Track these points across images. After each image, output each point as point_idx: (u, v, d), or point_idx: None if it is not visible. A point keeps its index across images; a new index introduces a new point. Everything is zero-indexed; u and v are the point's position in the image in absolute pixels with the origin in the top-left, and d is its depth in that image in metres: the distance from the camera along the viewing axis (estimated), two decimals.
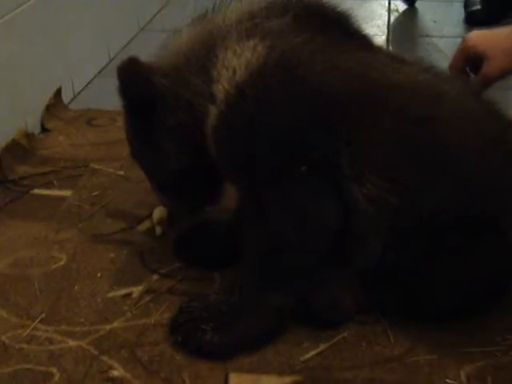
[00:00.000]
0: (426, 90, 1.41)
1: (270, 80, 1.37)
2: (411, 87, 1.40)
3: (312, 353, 1.40)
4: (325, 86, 1.37)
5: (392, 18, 3.46)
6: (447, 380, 1.34)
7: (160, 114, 1.47)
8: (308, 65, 1.38)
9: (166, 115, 1.47)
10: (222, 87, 1.40)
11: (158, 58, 1.52)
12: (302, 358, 1.39)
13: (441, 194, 1.36)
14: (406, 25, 3.48)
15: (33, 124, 2.31)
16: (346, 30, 1.49)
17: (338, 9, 1.50)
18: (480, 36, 1.70)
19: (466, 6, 3.39)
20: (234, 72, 1.40)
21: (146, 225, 1.81)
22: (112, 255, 1.70)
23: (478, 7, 3.33)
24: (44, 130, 2.34)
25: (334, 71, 1.38)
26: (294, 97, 1.37)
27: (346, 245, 1.40)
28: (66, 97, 2.51)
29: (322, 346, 1.42)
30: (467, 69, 1.70)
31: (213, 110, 1.41)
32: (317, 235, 1.39)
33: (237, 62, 1.40)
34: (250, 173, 1.40)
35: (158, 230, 1.77)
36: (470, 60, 1.69)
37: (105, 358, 1.40)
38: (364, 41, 1.51)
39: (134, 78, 1.46)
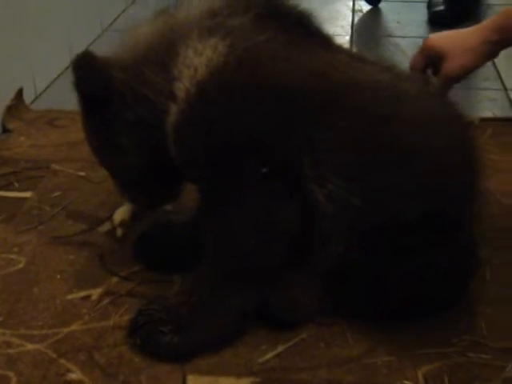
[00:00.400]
0: (387, 89, 1.41)
1: (230, 79, 1.37)
2: (372, 86, 1.41)
3: (270, 354, 1.40)
4: (286, 86, 1.37)
5: (356, 19, 3.48)
6: (405, 381, 1.35)
7: (118, 109, 1.46)
8: (269, 64, 1.38)
9: (124, 110, 1.45)
10: (182, 86, 1.40)
11: (116, 53, 1.50)
12: (260, 360, 1.39)
13: (401, 193, 1.36)
14: (369, 25, 3.49)
15: None
16: (306, 28, 1.48)
17: (299, 8, 1.50)
18: (441, 36, 1.71)
19: (430, 6, 3.41)
20: (195, 70, 1.39)
21: (106, 226, 1.80)
22: (72, 257, 1.69)
23: (442, 8, 3.35)
24: (5, 130, 2.32)
25: (295, 70, 1.39)
26: (255, 96, 1.37)
27: (306, 245, 1.41)
28: (27, 97, 2.49)
29: (280, 348, 1.42)
30: (428, 69, 1.72)
31: (173, 109, 1.40)
32: (277, 237, 1.40)
33: (198, 60, 1.39)
34: (209, 173, 1.40)
35: (119, 231, 1.76)
36: (430, 60, 1.70)
37: (63, 361, 1.39)
38: (325, 40, 1.51)
39: (88, 72, 1.44)
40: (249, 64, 1.38)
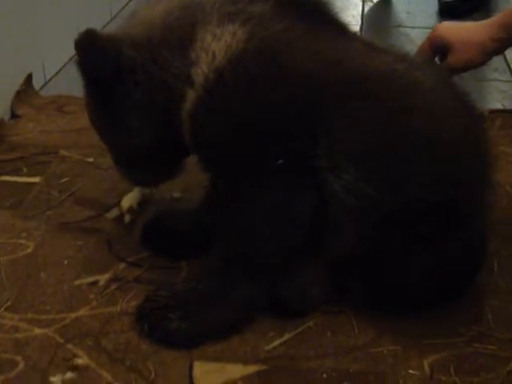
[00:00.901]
0: (402, 78, 1.40)
1: (249, 66, 1.35)
2: (387, 76, 1.40)
3: (277, 342, 1.41)
4: (304, 75, 1.36)
5: (366, 8, 3.47)
6: (410, 370, 1.35)
7: (127, 87, 1.43)
8: (288, 52, 1.37)
9: (134, 90, 1.43)
10: (200, 71, 1.38)
11: (127, 27, 1.48)
12: (266, 348, 1.40)
13: (415, 183, 1.36)
14: (379, 15, 3.49)
15: (3, 110, 2.29)
16: (324, 17, 1.47)
17: None
18: (450, 27, 1.71)
19: None
20: (214, 56, 1.37)
21: (114, 213, 1.81)
22: (79, 243, 1.69)
23: None
24: (14, 116, 2.32)
25: (313, 59, 1.38)
26: (273, 85, 1.36)
27: (320, 235, 1.40)
28: (36, 83, 2.50)
29: (287, 336, 1.42)
30: (436, 58, 1.72)
31: (190, 95, 1.39)
32: (291, 227, 1.39)
33: (216, 45, 1.38)
34: (225, 162, 1.40)
35: (127, 218, 1.77)
36: (437, 49, 1.70)
37: (70, 346, 1.40)
38: (341, 28, 1.50)
39: (92, 50, 1.40)
40: (267, 52, 1.37)
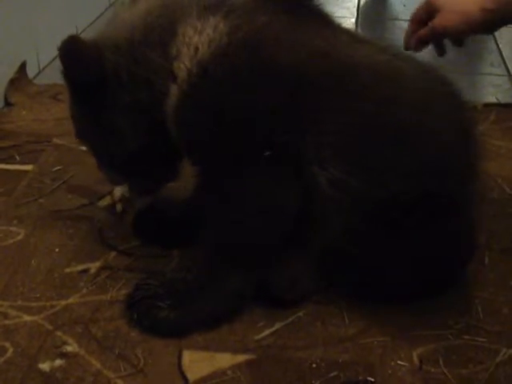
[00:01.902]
0: (385, 70, 1.41)
1: (234, 60, 1.35)
2: (372, 67, 1.40)
3: (266, 332, 1.41)
4: (290, 67, 1.36)
5: (362, 1, 3.46)
6: (399, 361, 1.35)
7: (113, 92, 1.43)
8: (273, 45, 1.37)
9: (119, 93, 1.42)
10: (183, 65, 1.38)
11: (107, 32, 1.47)
12: (256, 337, 1.40)
13: (401, 174, 1.35)
14: (375, 8, 3.48)
15: None
16: (308, 9, 1.47)
17: None
18: None
19: None
20: (196, 50, 1.37)
21: (106, 201, 1.81)
22: (71, 231, 1.69)
23: None
24: (7, 104, 2.32)
25: (298, 52, 1.37)
26: (258, 77, 1.36)
27: (307, 226, 1.41)
28: (30, 71, 2.50)
29: (277, 325, 1.42)
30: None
31: (173, 89, 1.39)
32: (277, 218, 1.40)
33: (198, 39, 1.38)
34: (211, 155, 1.40)
35: (119, 206, 1.77)
36: (430, 15, 1.68)
37: (59, 333, 1.40)
38: (326, 20, 1.49)
39: (77, 58, 1.40)
40: (252, 45, 1.36)
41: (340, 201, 1.36)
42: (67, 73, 1.43)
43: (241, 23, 1.38)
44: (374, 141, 1.36)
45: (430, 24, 1.64)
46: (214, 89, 1.36)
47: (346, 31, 1.51)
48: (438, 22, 1.62)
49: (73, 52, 1.40)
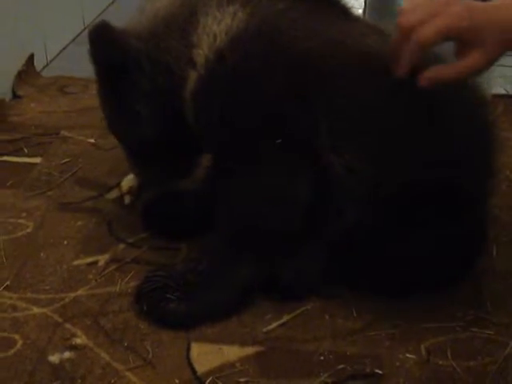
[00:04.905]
0: None
1: (250, 46, 1.37)
2: (387, 56, 1.39)
3: (275, 324, 1.41)
4: (305, 55, 1.36)
5: None
6: (407, 354, 1.35)
7: (135, 78, 1.46)
8: (288, 32, 1.38)
9: (141, 79, 1.46)
10: (202, 52, 1.41)
11: (134, 22, 1.51)
12: (264, 329, 1.40)
13: (416, 163, 1.35)
14: None
15: (4, 90, 2.30)
16: None
17: None
18: None
19: None
20: (215, 38, 1.40)
21: (114, 193, 1.81)
22: (79, 223, 1.70)
23: None
24: (15, 96, 2.33)
25: (314, 39, 1.38)
26: (272, 64, 1.36)
27: (320, 215, 1.40)
28: (38, 64, 2.50)
29: (285, 318, 1.42)
30: None
31: (192, 75, 1.41)
32: (290, 208, 1.39)
33: (217, 27, 1.40)
34: (226, 140, 1.40)
35: (127, 199, 1.77)
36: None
37: (68, 325, 1.40)
38: (343, 9, 1.50)
39: (104, 41, 1.45)
40: (268, 32, 1.38)
41: (355, 190, 1.36)
42: (94, 56, 1.48)
43: (258, 11, 1.40)
44: (388, 128, 1.35)
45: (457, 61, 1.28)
46: (230, 74, 1.37)
47: (364, 22, 1.51)
48: (472, 62, 1.27)
49: (100, 37, 1.45)
